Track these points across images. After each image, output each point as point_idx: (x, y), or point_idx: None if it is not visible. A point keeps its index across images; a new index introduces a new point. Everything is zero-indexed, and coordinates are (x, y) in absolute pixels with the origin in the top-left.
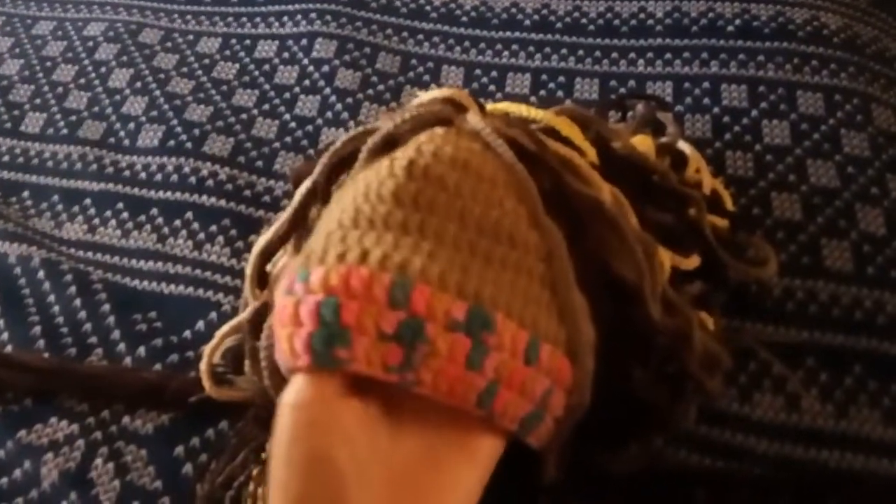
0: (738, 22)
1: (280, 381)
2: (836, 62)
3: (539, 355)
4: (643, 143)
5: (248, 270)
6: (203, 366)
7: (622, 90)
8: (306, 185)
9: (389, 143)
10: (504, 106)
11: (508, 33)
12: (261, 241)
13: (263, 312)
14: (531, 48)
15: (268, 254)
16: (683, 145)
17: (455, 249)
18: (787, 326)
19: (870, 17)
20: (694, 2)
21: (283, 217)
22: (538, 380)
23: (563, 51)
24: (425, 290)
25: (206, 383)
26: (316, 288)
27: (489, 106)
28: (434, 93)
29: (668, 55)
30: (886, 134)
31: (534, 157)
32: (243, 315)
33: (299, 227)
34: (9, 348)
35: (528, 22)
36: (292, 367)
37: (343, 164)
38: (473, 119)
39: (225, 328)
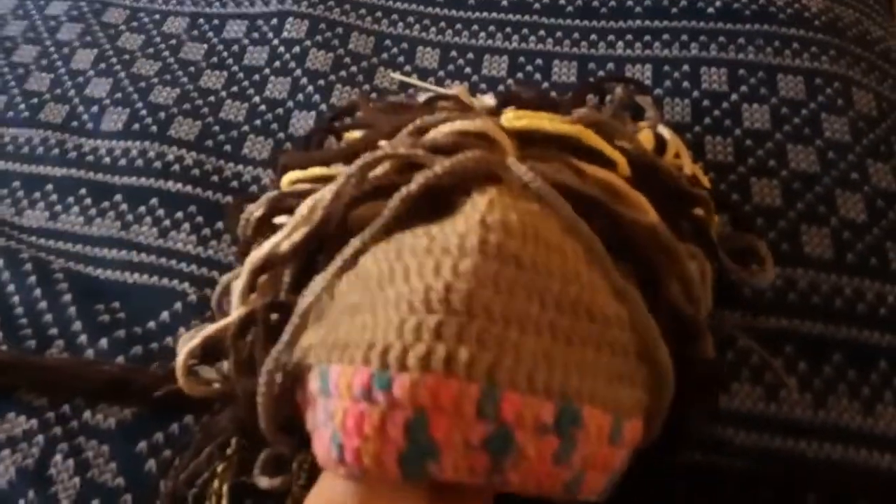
0: (718, 4)
1: (274, 422)
2: (818, 45)
3: (622, 434)
4: (647, 140)
5: (241, 283)
6: (179, 362)
7: (601, 73)
8: (318, 212)
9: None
10: (524, 122)
11: (485, 14)
12: (256, 257)
13: (249, 320)
14: (508, 29)
15: (263, 270)
16: (663, 130)
17: (538, 334)
18: (766, 315)
19: (851, 0)
20: None
21: (285, 238)
22: (619, 454)
23: (541, 32)
24: (514, 398)
25: (182, 380)
26: (403, 402)
27: (504, 117)
28: (461, 125)
29: (648, 37)
30: (867, 118)
31: (585, 197)
32: (229, 320)
33: (302, 253)
34: None
35: (505, 2)
36: (376, 474)
37: (362, 198)
38: (520, 170)
39: (209, 330)
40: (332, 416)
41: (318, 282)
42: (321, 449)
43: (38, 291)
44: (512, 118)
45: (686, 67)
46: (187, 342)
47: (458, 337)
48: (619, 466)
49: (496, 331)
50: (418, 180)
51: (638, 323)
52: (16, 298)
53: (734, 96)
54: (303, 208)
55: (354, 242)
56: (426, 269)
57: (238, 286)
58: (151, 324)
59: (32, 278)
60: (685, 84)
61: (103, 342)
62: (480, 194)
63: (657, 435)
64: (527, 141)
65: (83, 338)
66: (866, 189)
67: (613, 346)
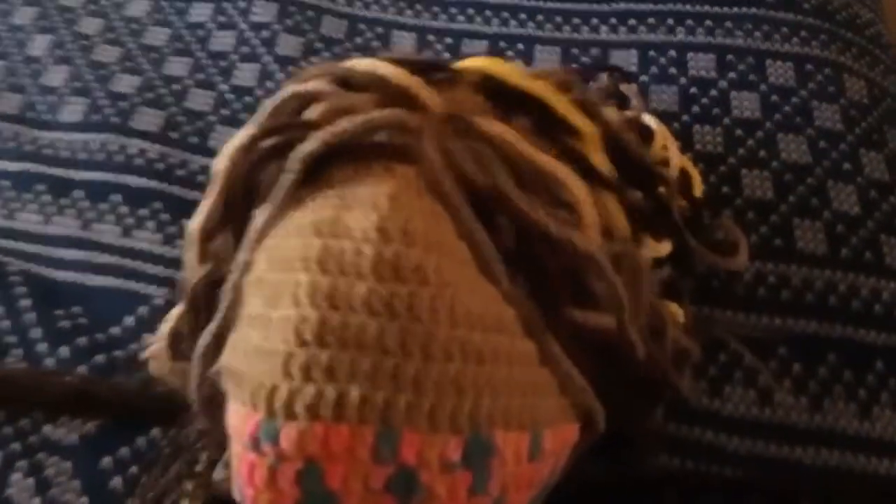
0: None
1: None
2: (807, 29)
3: (542, 447)
4: (613, 115)
5: (190, 255)
6: (151, 350)
7: (584, 58)
8: (224, 167)
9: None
10: (482, 68)
11: None
12: (194, 223)
13: (204, 291)
14: (488, 12)
15: (209, 237)
16: (649, 119)
17: (445, 358)
18: (758, 314)
19: None
20: None
21: (211, 202)
22: (544, 466)
23: (522, 15)
24: (414, 438)
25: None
26: (291, 453)
27: (466, 62)
28: (381, 67)
29: (633, 21)
30: (859, 106)
31: (497, 198)
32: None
33: (234, 215)
34: None
35: None
36: None
37: (273, 153)
38: (434, 160)
39: (175, 310)
40: (233, 458)
41: (233, 272)
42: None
43: None
44: (470, 63)
45: (672, 53)
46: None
47: (349, 375)
48: (548, 476)
49: (392, 363)
50: (314, 141)
51: (535, 334)
52: None
53: (722, 83)
54: (219, 163)
55: (259, 220)
56: (318, 290)
57: (187, 258)
58: (115, 329)
59: None
60: (672, 70)
61: (64, 350)
62: (380, 182)
63: (602, 432)
64: (485, 92)
65: (43, 346)
66: (859, 180)
67: (519, 356)
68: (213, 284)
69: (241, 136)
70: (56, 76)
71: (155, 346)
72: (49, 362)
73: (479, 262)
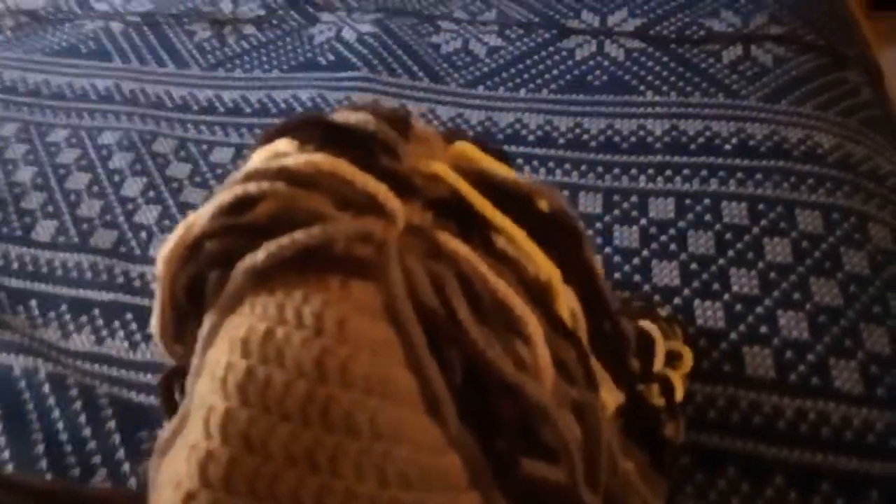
0: (734, 140)
1: None
2: (832, 181)
3: None
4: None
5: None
6: None
7: (625, 205)
8: (163, 272)
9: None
10: (444, 174)
11: (513, 147)
12: (153, 327)
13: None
14: (535, 163)
15: (169, 337)
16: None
17: None
18: (801, 449)
19: (860, 136)
20: (691, 120)
21: (159, 307)
22: None
23: (567, 165)
24: None
25: None
26: None
27: (454, 148)
28: (335, 165)
29: (669, 172)
30: (885, 252)
31: (454, 331)
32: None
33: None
34: (10, 467)
35: (531, 137)
36: None
37: (216, 259)
38: (396, 276)
39: None
40: None
41: (189, 375)
42: None
43: (83, 417)
44: (457, 153)
45: (707, 201)
46: None
47: None
48: None
49: None
50: (270, 250)
51: (476, 481)
52: (61, 424)
53: (755, 230)
54: (159, 265)
55: (205, 327)
56: (233, 423)
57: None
58: None
59: (78, 404)
60: (707, 217)
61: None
62: (331, 300)
63: None
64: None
65: (126, 466)
66: (888, 322)
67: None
68: (180, 378)
69: (178, 238)
70: (148, 215)
71: None
72: (132, 482)
73: (427, 401)
